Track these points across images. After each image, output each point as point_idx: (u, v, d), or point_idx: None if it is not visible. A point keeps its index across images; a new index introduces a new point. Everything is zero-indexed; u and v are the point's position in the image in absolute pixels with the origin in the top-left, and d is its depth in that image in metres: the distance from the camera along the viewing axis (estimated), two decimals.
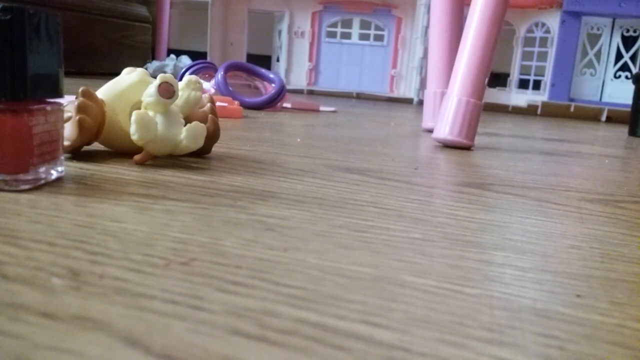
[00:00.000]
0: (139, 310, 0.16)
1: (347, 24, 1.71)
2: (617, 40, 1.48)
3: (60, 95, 0.29)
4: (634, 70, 1.47)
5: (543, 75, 1.52)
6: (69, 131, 0.35)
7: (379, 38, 1.70)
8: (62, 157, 0.31)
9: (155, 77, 0.36)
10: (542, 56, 1.52)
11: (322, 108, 1.04)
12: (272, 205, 0.29)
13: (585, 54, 1.51)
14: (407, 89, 1.70)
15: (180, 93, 0.38)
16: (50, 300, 0.16)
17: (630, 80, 1.44)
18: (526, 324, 0.18)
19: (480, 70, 0.60)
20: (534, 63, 1.53)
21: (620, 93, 1.48)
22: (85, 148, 0.39)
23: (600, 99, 1.52)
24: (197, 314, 0.16)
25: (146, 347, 0.14)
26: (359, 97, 1.71)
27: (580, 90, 1.52)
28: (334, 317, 0.17)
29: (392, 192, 0.35)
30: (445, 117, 0.61)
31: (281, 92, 0.92)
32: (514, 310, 0.18)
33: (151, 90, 0.36)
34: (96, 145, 0.39)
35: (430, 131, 0.73)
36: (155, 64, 1.52)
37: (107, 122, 0.37)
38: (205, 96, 0.43)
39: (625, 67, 1.49)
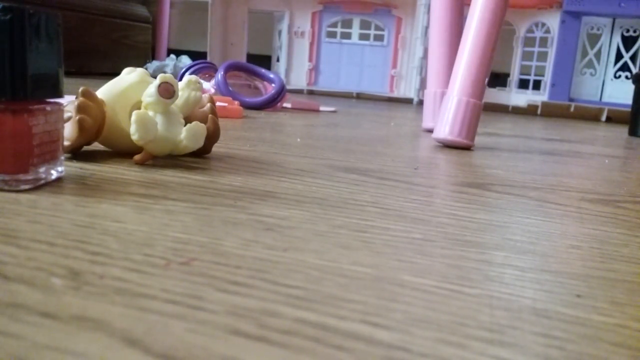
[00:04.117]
0: (139, 310, 0.16)
1: (347, 24, 1.71)
2: (617, 40, 1.48)
3: (60, 95, 0.29)
4: (634, 70, 1.47)
5: (543, 75, 1.52)
6: (69, 131, 0.35)
7: (379, 38, 1.70)
8: (62, 157, 0.31)
9: (155, 77, 0.36)
10: (542, 56, 1.52)
11: (322, 108, 1.04)
12: (272, 205, 0.29)
13: (585, 54, 1.51)
14: (407, 89, 1.70)
15: (180, 93, 0.38)
16: (50, 300, 0.16)
17: (630, 80, 1.44)
18: (526, 324, 0.18)
19: (480, 70, 0.60)
20: (534, 63, 1.53)
21: (620, 93, 1.48)
22: (85, 148, 0.39)
23: (600, 99, 1.52)
24: (197, 314, 0.16)
25: (146, 347, 0.14)
26: (359, 97, 1.71)
27: (580, 90, 1.52)
28: (334, 317, 0.17)
29: (392, 192, 0.35)
30: (445, 117, 0.61)
31: (281, 92, 0.92)
32: (514, 310, 0.18)
33: (151, 90, 0.36)
34: (96, 145, 0.39)
35: (430, 131, 0.73)
36: (155, 64, 1.52)
37: (107, 122, 0.37)
38: (205, 96, 0.43)
39: (625, 67, 1.49)
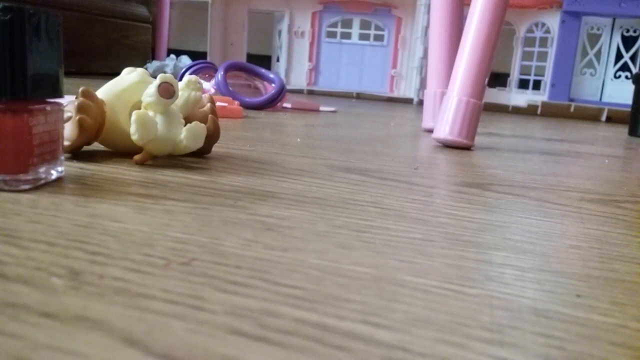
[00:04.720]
0: (139, 310, 0.16)
1: (347, 24, 1.71)
2: (617, 40, 1.48)
3: (60, 95, 0.29)
4: (634, 70, 1.47)
5: (543, 75, 1.52)
6: (69, 131, 0.35)
7: (379, 38, 1.70)
8: (62, 157, 0.31)
9: (155, 77, 0.36)
10: (542, 56, 1.52)
11: (322, 108, 1.04)
12: (272, 205, 0.29)
13: (585, 54, 1.51)
14: (407, 89, 1.70)
15: (180, 93, 0.38)
16: (50, 300, 0.16)
17: (630, 80, 1.44)
18: (526, 324, 0.18)
19: (480, 70, 0.60)
20: (534, 63, 1.53)
21: (620, 93, 1.48)
22: (85, 148, 0.39)
23: (600, 99, 1.52)
24: (197, 314, 0.16)
25: (146, 347, 0.14)
26: (359, 97, 1.71)
27: (580, 90, 1.52)
28: (334, 317, 0.17)
29: (392, 192, 0.35)
30: (445, 117, 0.61)
31: (281, 92, 0.92)
32: (514, 310, 0.18)
33: (151, 90, 0.36)
34: (96, 145, 0.39)
35: (430, 131, 0.73)
36: (155, 64, 1.52)
37: (107, 122, 0.37)
38: (205, 96, 0.43)
39: (625, 67, 1.49)
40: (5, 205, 0.25)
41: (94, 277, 0.18)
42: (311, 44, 1.72)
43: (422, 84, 1.60)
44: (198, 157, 0.42)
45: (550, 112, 1.56)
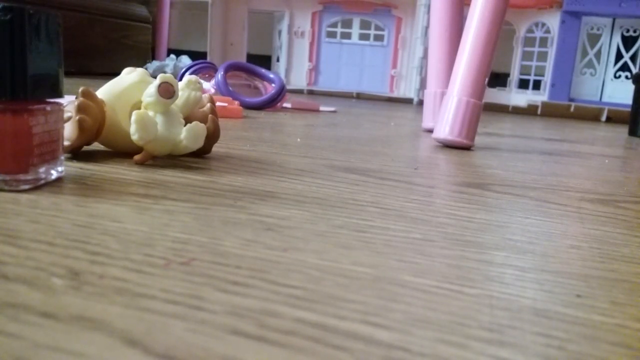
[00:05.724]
0: (139, 310, 0.16)
1: (347, 24, 1.71)
2: (617, 40, 1.48)
3: (60, 95, 0.29)
4: (634, 70, 1.47)
5: (543, 75, 1.52)
6: (69, 131, 0.35)
7: (379, 38, 1.70)
8: (62, 157, 0.31)
9: (155, 77, 0.36)
10: (542, 56, 1.52)
11: (322, 108, 1.04)
12: (272, 205, 0.29)
13: (585, 54, 1.51)
14: (407, 89, 1.70)
15: (180, 93, 0.38)
16: (50, 300, 0.16)
17: (630, 80, 1.44)
18: (526, 324, 0.18)
19: (480, 70, 0.60)
20: (534, 63, 1.53)
21: (620, 93, 1.48)
22: (85, 148, 0.39)
23: (600, 99, 1.52)
24: (197, 314, 0.16)
25: (146, 347, 0.14)
26: (359, 97, 1.71)
27: (580, 90, 1.52)
28: (334, 317, 0.17)
29: (392, 192, 0.35)
30: (445, 117, 0.61)
31: (281, 92, 0.92)
32: (514, 310, 0.18)
33: (151, 90, 0.36)
34: (96, 145, 0.39)
35: (430, 131, 0.73)
36: (155, 64, 1.52)
37: (107, 122, 0.37)
38: (205, 96, 0.43)
39: (625, 67, 1.49)
40: (5, 205, 0.25)
41: (94, 277, 0.18)
42: (311, 44, 1.72)
43: (422, 84, 1.60)
44: (198, 157, 0.42)
45: (550, 112, 1.56)
